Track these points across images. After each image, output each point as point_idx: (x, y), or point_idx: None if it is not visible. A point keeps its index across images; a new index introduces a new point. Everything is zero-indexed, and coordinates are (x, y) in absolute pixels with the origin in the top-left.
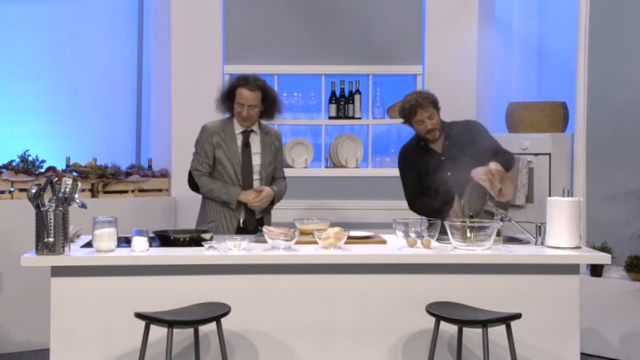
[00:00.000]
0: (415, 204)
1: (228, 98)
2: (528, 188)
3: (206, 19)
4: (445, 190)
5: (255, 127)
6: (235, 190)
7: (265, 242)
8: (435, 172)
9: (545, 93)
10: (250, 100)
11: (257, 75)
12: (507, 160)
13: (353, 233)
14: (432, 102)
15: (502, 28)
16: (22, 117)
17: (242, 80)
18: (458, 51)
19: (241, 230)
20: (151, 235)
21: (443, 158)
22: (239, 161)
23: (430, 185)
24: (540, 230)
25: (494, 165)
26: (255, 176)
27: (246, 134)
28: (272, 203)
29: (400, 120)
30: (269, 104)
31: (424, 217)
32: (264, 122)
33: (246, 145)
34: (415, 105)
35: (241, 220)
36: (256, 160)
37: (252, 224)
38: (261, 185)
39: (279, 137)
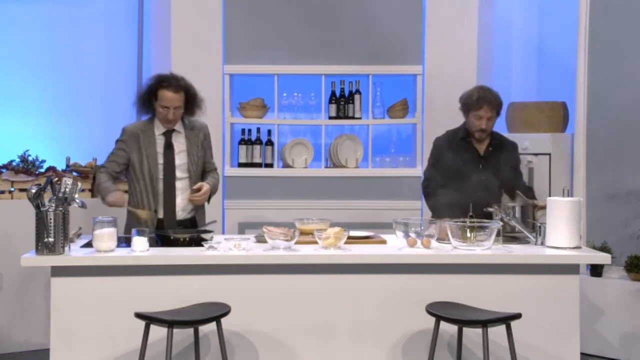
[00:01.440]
0: (429, 188)
1: (148, 99)
2: None
3: (206, 19)
4: (468, 190)
5: (177, 126)
6: (112, 187)
7: (265, 242)
8: (470, 171)
9: (545, 93)
10: (176, 102)
11: (175, 74)
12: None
13: (353, 233)
14: (498, 106)
15: (502, 28)
16: (22, 117)
17: (165, 82)
18: (458, 51)
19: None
20: (151, 235)
21: (483, 161)
22: (156, 164)
23: (456, 180)
24: (540, 230)
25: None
26: (182, 175)
27: (168, 134)
28: (209, 198)
29: (400, 120)
30: (189, 102)
31: (424, 217)
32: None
33: (169, 146)
34: (484, 100)
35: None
36: (181, 159)
37: (172, 223)
38: (190, 182)
39: (206, 129)
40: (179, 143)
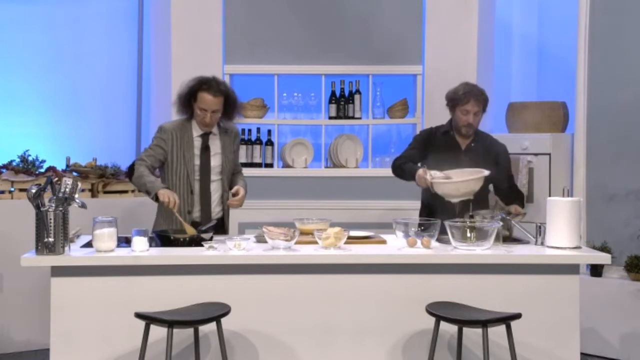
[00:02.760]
0: (398, 165)
1: (188, 100)
2: (528, 188)
3: (206, 19)
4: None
5: (213, 129)
6: (159, 183)
7: (265, 242)
8: (450, 164)
9: (545, 93)
10: (214, 105)
11: (218, 78)
12: (522, 202)
13: (353, 233)
14: (484, 101)
15: (502, 28)
16: (22, 117)
17: (205, 85)
18: (458, 51)
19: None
20: (151, 235)
21: (463, 156)
22: (193, 166)
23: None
24: (540, 230)
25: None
26: (215, 177)
27: (205, 137)
28: None
29: (400, 119)
30: (229, 107)
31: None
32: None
33: (205, 148)
34: (471, 95)
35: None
36: (216, 161)
37: (207, 221)
38: (221, 184)
39: (237, 134)
40: (215, 145)
